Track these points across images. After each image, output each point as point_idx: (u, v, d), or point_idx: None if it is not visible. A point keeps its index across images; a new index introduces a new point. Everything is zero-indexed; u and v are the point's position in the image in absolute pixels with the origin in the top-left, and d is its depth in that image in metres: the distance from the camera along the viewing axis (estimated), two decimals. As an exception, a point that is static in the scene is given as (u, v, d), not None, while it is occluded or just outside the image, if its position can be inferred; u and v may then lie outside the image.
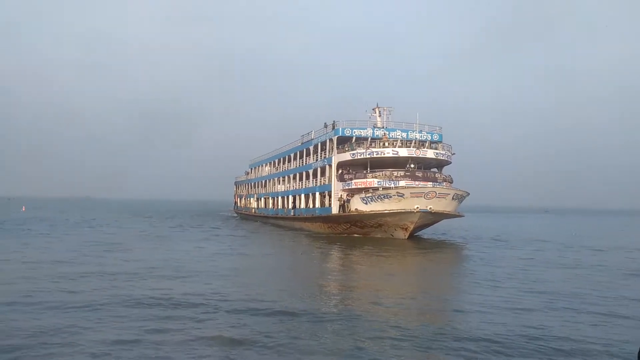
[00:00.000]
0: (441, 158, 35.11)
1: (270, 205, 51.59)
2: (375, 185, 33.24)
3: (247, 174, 65.37)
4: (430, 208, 30.56)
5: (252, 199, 60.36)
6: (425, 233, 36.05)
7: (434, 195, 30.69)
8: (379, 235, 32.80)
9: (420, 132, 36.73)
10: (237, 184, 71.10)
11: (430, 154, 34.48)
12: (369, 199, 32.22)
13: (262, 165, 57.70)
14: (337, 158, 36.03)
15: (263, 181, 56.06)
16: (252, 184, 61.34)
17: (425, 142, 35.79)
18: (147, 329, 9.23)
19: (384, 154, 33.97)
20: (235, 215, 68.02)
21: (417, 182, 33.19)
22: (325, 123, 39.70)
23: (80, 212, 71.33)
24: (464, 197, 33.13)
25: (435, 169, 37.32)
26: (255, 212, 56.89)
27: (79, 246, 23.71)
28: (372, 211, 31.93)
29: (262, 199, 55.48)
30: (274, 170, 52.63)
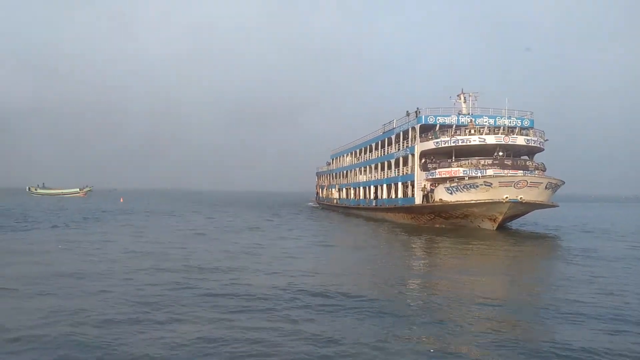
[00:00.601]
0: (532, 145, 32.97)
1: (352, 196, 51.46)
2: (461, 175, 31.95)
3: (329, 164, 65.67)
4: (520, 198, 28.88)
5: (333, 189, 60.60)
6: (515, 224, 34.15)
7: (525, 184, 28.95)
8: (465, 226, 31.53)
9: (509, 117, 34.75)
10: (319, 175, 71.69)
11: (520, 140, 32.50)
12: (454, 189, 31.02)
13: (343, 156, 57.64)
14: (420, 147, 35.04)
15: (344, 171, 56.01)
16: (334, 174, 61.52)
17: (515, 128, 33.79)
18: (235, 324, 9.32)
19: (470, 142, 32.50)
20: (317, 206, 68.70)
21: (506, 171, 31.52)
22: (407, 111, 38.72)
23: (168, 203, 75.39)
24: (559, 186, 30.95)
25: (526, 157, 35.21)
26: (336, 203, 57.05)
27: (171, 235, 24.91)
28: (457, 201, 30.72)
29: (344, 189, 55.50)
30: (355, 161, 52.38)
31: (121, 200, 77.51)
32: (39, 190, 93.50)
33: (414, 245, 24.36)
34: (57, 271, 14.31)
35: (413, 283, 14.25)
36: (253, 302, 10.94)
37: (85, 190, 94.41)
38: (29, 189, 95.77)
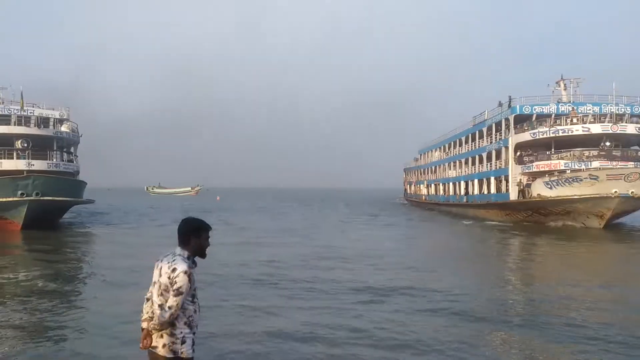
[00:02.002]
0: (645, 133, 29.78)
1: (441, 192, 49.80)
2: (562, 168, 29.62)
3: (416, 160, 64.18)
4: (632, 192, 26.15)
5: (421, 185, 59.11)
6: (625, 221, 31.05)
7: (637, 177, 26.21)
8: (567, 224, 29.12)
9: (617, 104, 31.58)
10: (406, 171, 70.34)
11: (630, 128, 29.49)
12: (554, 183, 28.76)
13: (431, 151, 55.98)
14: (514, 139, 32.98)
15: (433, 167, 54.37)
16: (422, 170, 59.99)
17: (624, 115, 30.72)
18: (332, 322, 9.04)
19: (572, 132, 30.01)
20: (405, 202, 67.41)
21: (614, 163, 28.76)
22: (499, 102, 36.67)
23: (264, 200, 77.55)
24: (678, 179, 27.68)
25: (637, 147, 31.90)
26: (425, 199, 55.54)
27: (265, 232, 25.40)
28: (558, 197, 28.43)
29: (432, 185, 53.92)
30: (444, 155, 50.62)
31: (217, 199, 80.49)
32: (155, 190, 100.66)
33: (509, 244, 22.85)
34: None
35: (510, 284, 13.18)
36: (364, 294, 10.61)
37: (196, 189, 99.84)
38: (147, 188, 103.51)
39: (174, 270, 3.29)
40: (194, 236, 3.47)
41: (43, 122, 31.14)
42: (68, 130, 32.05)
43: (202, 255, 3.54)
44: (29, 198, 25.32)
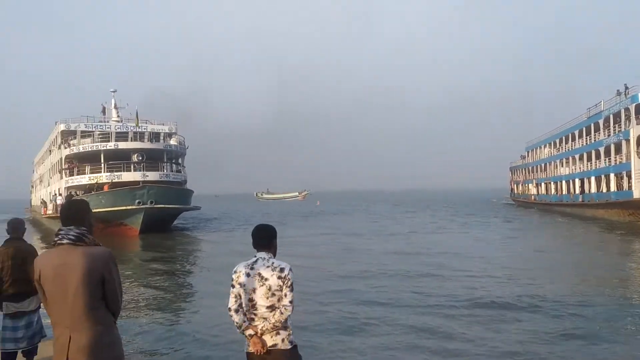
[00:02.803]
0: None
1: (552, 191, 46.30)
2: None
3: (523, 157, 60.38)
4: None
5: (530, 184, 55.46)
6: None
7: None
8: None
9: None
10: (512, 170, 66.46)
11: None
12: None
13: (540, 147, 52.31)
14: (636, 130, 29.77)
15: (542, 165, 50.78)
16: (529, 168, 56.30)
17: None
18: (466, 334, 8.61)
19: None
20: (512, 203, 63.59)
21: None
22: (617, 90, 33.32)
23: (369, 203, 77.40)
24: None
25: None
26: (534, 199, 51.97)
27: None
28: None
29: (542, 184, 50.34)
30: (554, 152, 47.05)
31: (317, 203, 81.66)
32: (265, 196, 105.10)
33: (635, 249, 20.47)
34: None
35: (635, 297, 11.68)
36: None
37: (303, 193, 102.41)
38: (256, 194, 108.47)
39: (282, 270, 3.53)
40: (274, 240, 3.72)
41: (154, 136, 33.86)
42: (176, 143, 34.48)
43: (274, 255, 3.77)
44: (144, 206, 27.65)
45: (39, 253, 3.77)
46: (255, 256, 3.62)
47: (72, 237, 2.90)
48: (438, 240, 23.45)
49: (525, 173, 58.35)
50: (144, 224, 28.06)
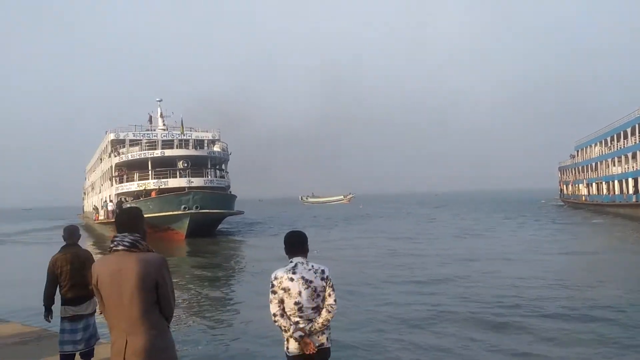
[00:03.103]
0: None
1: (604, 191, 44.47)
2: None
3: (572, 157, 58.30)
4: None
5: (580, 185, 53.48)
6: None
7: None
8: None
9: None
10: (561, 170, 64.31)
11: None
12: None
13: (590, 146, 50.40)
14: (695, 126, 28.17)
15: (592, 164, 48.87)
16: (579, 168, 54.32)
17: None
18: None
19: None
20: (562, 204, 61.49)
21: None
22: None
23: (406, 207, 76.54)
24: None
25: None
26: (585, 200, 50.06)
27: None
28: None
29: (593, 184, 48.43)
30: (606, 150, 45.20)
31: (360, 206, 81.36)
32: (310, 199, 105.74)
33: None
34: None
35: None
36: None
37: (348, 197, 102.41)
38: (301, 198, 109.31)
39: (323, 272, 3.73)
40: (307, 244, 3.87)
41: (199, 144, 34.83)
42: (219, 150, 35.21)
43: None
44: (190, 211, 28.46)
45: (94, 258, 3.95)
46: (292, 261, 3.75)
47: (127, 244, 2.97)
48: (489, 244, 22.80)
49: (575, 173, 56.34)
50: (189, 229, 28.82)
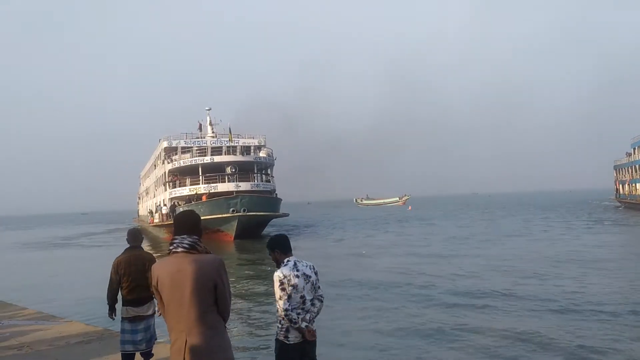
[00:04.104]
0: None
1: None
2: None
3: (629, 155, 55.73)
4: None
5: (638, 184, 50.99)
6: None
7: None
8: None
9: None
10: (617, 168, 61.52)
11: None
12: None
13: (649, 143, 48.02)
14: None
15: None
16: (637, 166, 51.79)
17: None
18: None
19: None
20: (619, 205, 58.80)
21: None
22: None
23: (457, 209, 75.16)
24: None
25: None
26: (645, 200, 47.72)
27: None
28: None
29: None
30: (666, 148, 42.96)
31: (409, 208, 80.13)
32: (364, 201, 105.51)
33: None
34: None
35: None
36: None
37: (404, 198, 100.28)
38: (355, 200, 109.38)
39: (313, 267, 4.14)
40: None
41: (245, 150, 36.09)
42: (265, 155, 36.27)
43: None
44: (238, 214, 29.63)
45: (156, 260, 4.20)
46: (289, 260, 4.09)
47: (186, 246, 3.04)
48: (539, 247, 21.72)
49: (632, 172, 53.78)
50: (238, 230, 29.90)
